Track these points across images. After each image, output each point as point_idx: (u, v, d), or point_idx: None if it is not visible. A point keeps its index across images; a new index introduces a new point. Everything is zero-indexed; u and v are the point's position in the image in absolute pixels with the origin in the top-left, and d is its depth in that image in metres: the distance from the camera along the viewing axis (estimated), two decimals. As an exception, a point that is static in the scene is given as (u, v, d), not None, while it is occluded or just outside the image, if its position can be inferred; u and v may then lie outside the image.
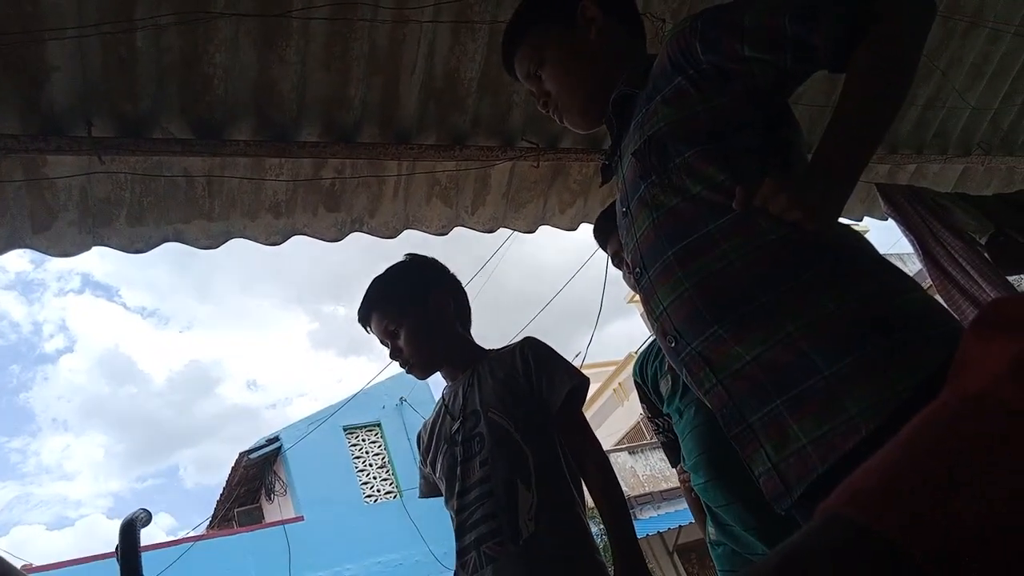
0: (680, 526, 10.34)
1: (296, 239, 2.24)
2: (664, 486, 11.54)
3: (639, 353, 2.21)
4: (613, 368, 17.88)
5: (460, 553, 1.41)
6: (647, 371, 2.05)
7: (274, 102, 1.96)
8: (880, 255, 0.99)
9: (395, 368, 1.62)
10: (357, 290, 1.64)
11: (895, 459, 0.28)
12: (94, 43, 1.69)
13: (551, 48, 1.23)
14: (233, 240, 2.13)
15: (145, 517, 1.31)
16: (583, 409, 1.55)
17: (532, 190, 2.52)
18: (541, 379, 1.48)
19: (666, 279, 1.02)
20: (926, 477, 0.26)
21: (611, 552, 1.39)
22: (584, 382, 1.50)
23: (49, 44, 1.64)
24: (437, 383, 1.70)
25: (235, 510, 12.46)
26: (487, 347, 1.65)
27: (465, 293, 1.72)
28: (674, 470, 2.11)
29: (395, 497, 11.40)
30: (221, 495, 12.42)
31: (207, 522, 12.34)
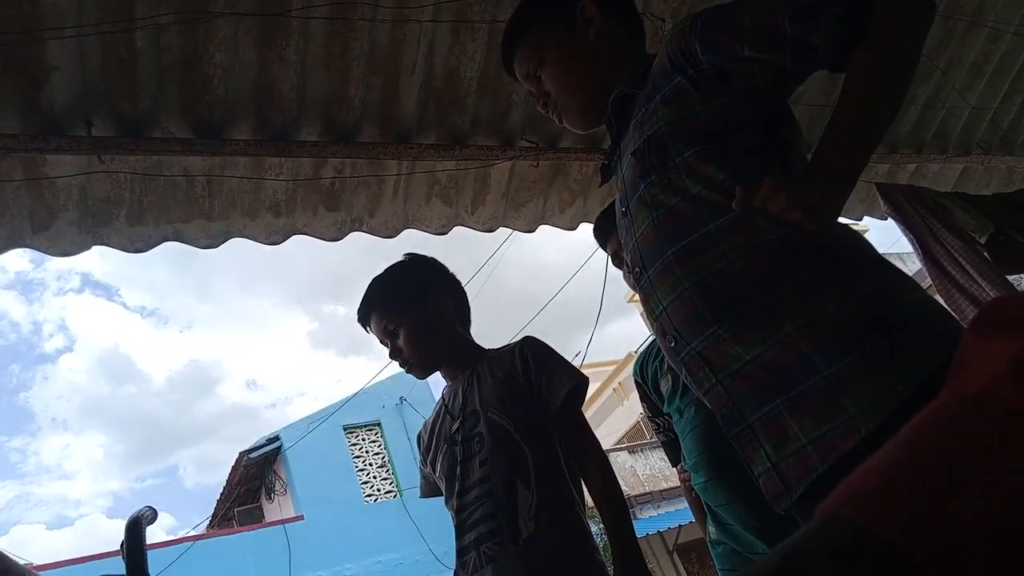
0: (680, 525, 10.34)
1: (296, 238, 2.24)
2: (664, 485, 11.55)
3: (639, 353, 2.21)
4: (613, 368, 17.88)
5: (460, 553, 1.41)
6: (647, 370, 2.05)
7: (274, 102, 1.96)
8: (879, 255, 0.99)
9: (395, 368, 1.62)
10: (357, 290, 1.64)
11: (894, 459, 0.28)
12: (94, 43, 1.69)
13: (550, 48, 1.23)
14: (233, 239, 2.13)
15: (151, 515, 1.31)
16: (583, 409, 1.55)
17: (532, 189, 2.52)
18: (540, 379, 1.48)
19: (666, 279, 1.02)
20: (926, 477, 0.26)
21: (610, 552, 1.39)
22: (583, 381, 1.50)
23: (49, 44, 1.64)
24: (437, 383, 1.70)
25: (235, 509, 12.47)
26: (487, 347, 1.65)
27: (464, 293, 1.72)
28: (674, 469, 2.11)
29: (395, 496, 11.40)
30: (221, 494, 12.42)
31: (207, 521, 12.34)
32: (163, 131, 1.87)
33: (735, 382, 0.95)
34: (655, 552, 11.40)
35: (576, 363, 1.74)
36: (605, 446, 1.73)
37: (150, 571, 1.22)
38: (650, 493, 11.57)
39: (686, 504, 2.17)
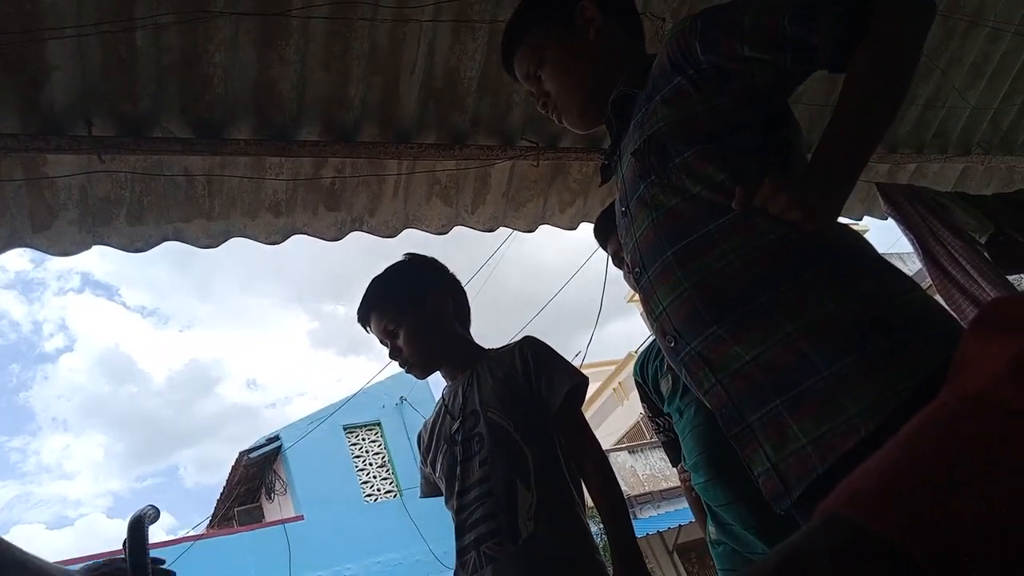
0: (680, 525, 10.34)
1: (296, 238, 2.24)
2: (664, 485, 11.55)
3: (640, 353, 2.21)
4: (613, 368, 17.88)
5: (460, 553, 1.41)
6: (648, 370, 2.05)
7: (274, 101, 1.96)
8: (879, 255, 0.99)
9: (395, 367, 1.62)
10: (357, 289, 1.64)
11: (894, 459, 0.28)
12: (94, 42, 1.69)
13: (550, 48, 1.23)
14: (233, 239, 2.13)
15: (153, 514, 1.31)
16: (583, 409, 1.55)
17: (532, 189, 2.52)
18: (540, 379, 1.48)
19: (665, 279, 1.02)
20: (926, 477, 0.26)
21: (610, 552, 1.39)
22: (583, 381, 1.50)
23: (49, 44, 1.64)
24: (437, 382, 1.70)
25: (235, 509, 12.47)
26: (487, 347, 1.65)
27: (464, 293, 1.72)
28: (674, 469, 2.11)
29: (395, 496, 11.40)
30: (221, 494, 12.42)
31: (207, 521, 12.34)
32: (163, 131, 1.87)
33: (735, 382, 0.95)
34: (655, 552, 11.41)
35: (576, 363, 1.74)
36: (605, 446, 1.73)
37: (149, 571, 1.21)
38: (650, 493, 11.57)
39: (686, 504, 2.17)
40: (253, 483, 12.48)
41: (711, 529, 1.89)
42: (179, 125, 1.89)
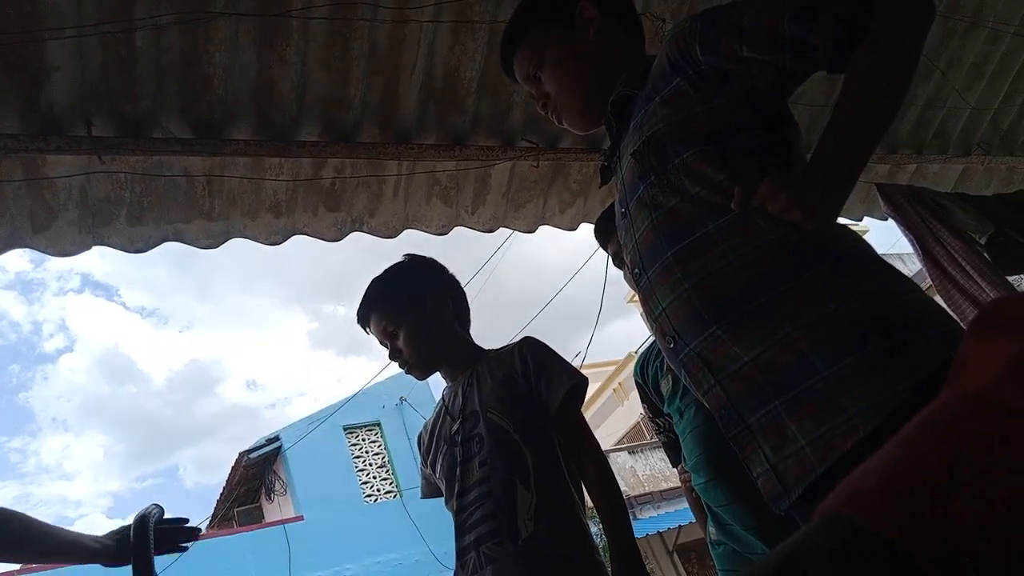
0: (680, 526, 10.34)
1: (296, 239, 2.24)
2: (664, 486, 11.55)
3: (640, 353, 2.21)
4: (613, 368, 17.88)
5: (460, 553, 1.41)
6: (648, 371, 2.05)
7: (274, 102, 1.96)
8: (878, 255, 0.99)
9: (395, 368, 1.62)
10: (357, 290, 1.64)
11: (894, 459, 0.28)
12: (94, 43, 1.69)
13: (550, 48, 1.23)
14: (233, 240, 2.13)
15: (158, 513, 1.31)
16: (583, 409, 1.55)
17: (532, 190, 2.52)
18: (540, 380, 1.48)
19: (665, 280, 1.02)
20: (926, 477, 0.26)
21: (609, 552, 1.39)
22: (583, 382, 1.49)
23: (49, 44, 1.64)
24: (437, 383, 1.70)
25: (235, 510, 12.46)
26: (487, 347, 1.65)
27: (464, 293, 1.72)
28: (674, 470, 2.11)
29: (395, 497, 11.40)
30: (221, 495, 12.42)
31: (207, 521, 12.33)
32: (163, 131, 1.87)
33: (734, 383, 0.95)
34: (655, 552, 11.40)
35: (576, 363, 1.74)
36: (605, 446, 1.73)
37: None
38: (650, 493, 11.57)
39: (686, 504, 2.18)
40: (253, 483, 12.48)
41: (711, 529, 1.89)
42: (179, 125, 1.89)
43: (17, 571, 9.03)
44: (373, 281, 1.63)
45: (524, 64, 1.27)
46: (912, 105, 2.92)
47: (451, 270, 1.70)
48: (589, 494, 1.45)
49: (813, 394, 0.87)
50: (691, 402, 1.85)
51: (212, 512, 12.56)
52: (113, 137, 1.81)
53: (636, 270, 1.09)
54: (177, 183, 1.99)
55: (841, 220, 0.99)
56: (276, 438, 11.56)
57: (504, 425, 1.44)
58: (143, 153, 1.85)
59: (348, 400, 11.37)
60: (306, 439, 10.93)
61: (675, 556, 11.62)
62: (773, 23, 0.96)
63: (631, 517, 1.46)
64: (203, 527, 11.05)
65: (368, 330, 1.62)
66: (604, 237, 1.98)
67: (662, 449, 2.16)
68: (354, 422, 11.89)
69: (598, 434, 1.58)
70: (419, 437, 1.67)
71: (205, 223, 2.08)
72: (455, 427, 1.51)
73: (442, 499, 1.56)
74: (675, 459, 2.04)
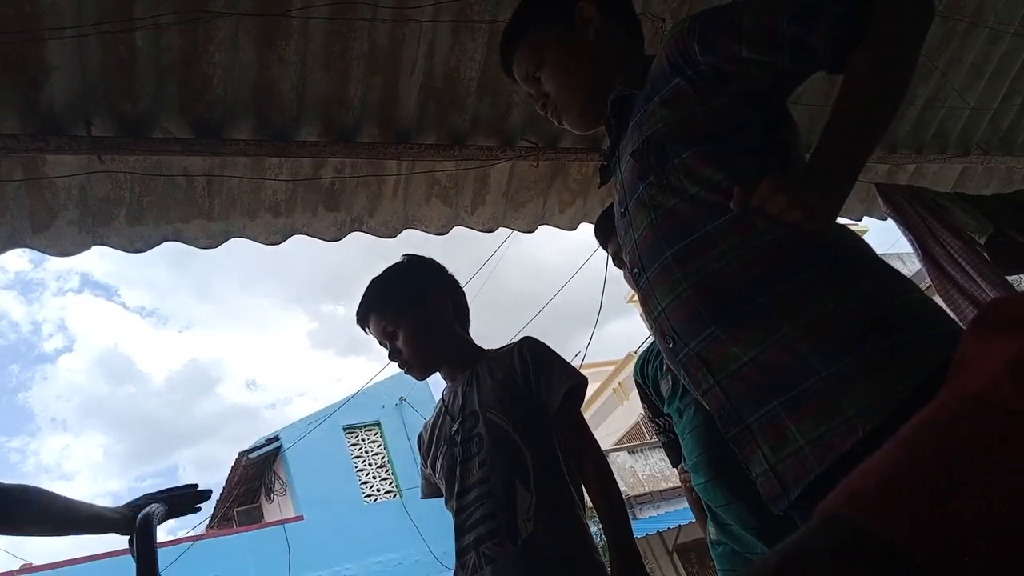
0: (680, 526, 10.34)
1: (296, 238, 2.24)
2: (664, 486, 11.55)
3: (640, 353, 2.21)
4: (613, 368, 17.88)
5: (459, 553, 1.41)
6: (648, 371, 2.05)
7: (274, 102, 1.96)
8: (877, 255, 0.98)
9: (395, 368, 1.62)
10: (356, 290, 1.64)
11: (894, 459, 0.28)
12: (93, 42, 1.68)
13: (550, 48, 1.23)
14: (233, 239, 2.13)
15: (161, 512, 1.32)
16: (582, 409, 1.55)
17: (532, 190, 2.52)
18: (539, 380, 1.48)
19: (664, 280, 1.02)
20: (925, 477, 0.26)
21: (608, 552, 1.39)
22: (582, 382, 1.49)
23: (48, 44, 1.64)
24: (437, 383, 1.70)
25: (235, 510, 12.46)
26: (486, 347, 1.65)
27: (463, 293, 1.72)
28: (674, 470, 2.12)
29: (395, 497, 11.40)
30: (221, 495, 12.41)
31: (207, 521, 12.33)
32: (163, 131, 1.87)
33: (733, 383, 0.95)
34: (655, 552, 11.40)
35: (576, 363, 1.74)
36: (605, 446, 1.73)
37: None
38: (650, 493, 11.57)
39: (686, 504, 2.18)
40: (253, 483, 12.47)
41: (711, 529, 1.89)
42: (179, 125, 1.89)
43: (17, 571, 9.03)
44: (372, 281, 1.63)
45: (524, 64, 1.27)
46: (912, 105, 2.92)
47: (451, 270, 1.70)
48: (589, 494, 1.45)
49: (812, 394, 0.87)
50: (691, 402, 1.85)
51: (212, 512, 12.56)
52: (113, 137, 1.81)
53: (635, 270, 1.09)
54: (177, 183, 1.99)
55: (840, 220, 0.99)
56: (276, 438, 11.56)
57: (504, 425, 1.44)
58: (143, 153, 1.85)
59: (348, 400, 11.38)
60: (306, 439, 10.93)
61: (675, 556, 11.63)
62: (772, 23, 0.96)
63: (631, 517, 1.46)
64: (203, 527, 11.07)
65: (368, 330, 1.62)
66: (604, 237, 1.98)
67: (662, 449, 2.16)
68: (354, 422, 11.89)
69: (598, 434, 1.58)
70: (419, 437, 1.67)
71: (205, 223, 2.08)
72: (455, 427, 1.51)
73: (442, 499, 1.56)
74: (675, 459, 2.04)
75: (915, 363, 0.84)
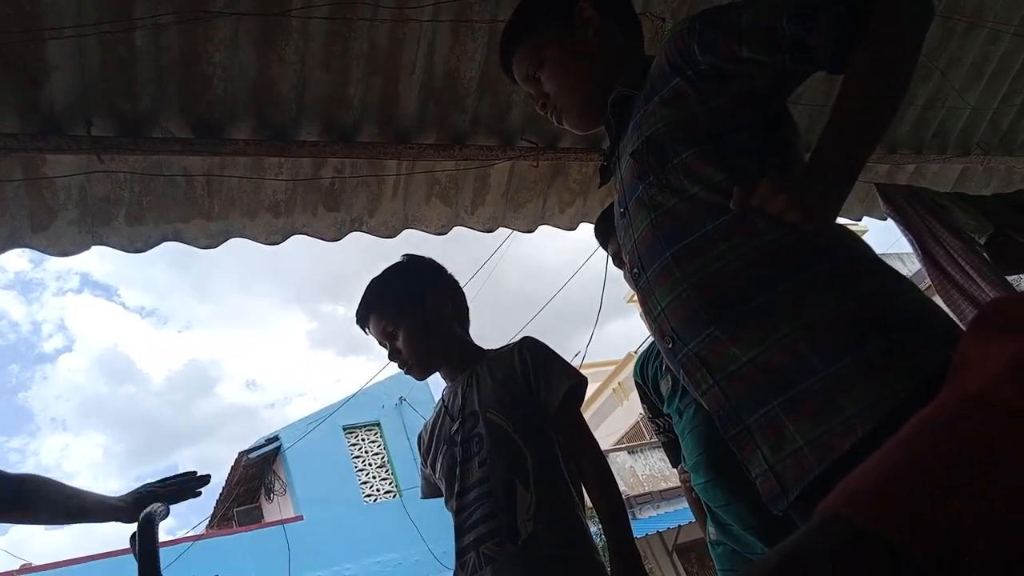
0: (679, 526, 10.34)
1: (295, 238, 2.24)
2: (664, 486, 11.55)
3: (640, 353, 2.21)
4: (613, 368, 17.88)
5: (459, 553, 1.41)
6: (647, 371, 2.05)
7: (273, 101, 1.96)
8: (876, 256, 0.98)
9: (394, 368, 1.62)
10: (356, 290, 1.64)
11: (894, 459, 0.28)
12: (93, 42, 1.68)
13: (550, 48, 1.23)
14: (232, 239, 2.13)
15: (163, 511, 1.32)
16: (582, 409, 1.54)
17: (531, 190, 2.52)
18: (539, 380, 1.48)
19: (664, 280, 1.02)
20: (925, 477, 0.26)
21: (608, 552, 1.39)
22: (582, 382, 1.49)
23: (48, 43, 1.64)
24: (437, 383, 1.70)
25: (234, 510, 12.46)
26: (486, 347, 1.65)
27: (463, 293, 1.72)
28: (674, 470, 2.12)
29: (394, 497, 11.40)
30: (220, 495, 12.41)
31: (206, 521, 12.33)
32: (163, 131, 1.87)
33: (732, 383, 0.95)
34: (654, 552, 11.40)
35: (576, 363, 1.74)
36: (605, 446, 1.73)
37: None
38: (650, 493, 11.57)
39: (686, 504, 2.18)
40: (252, 483, 12.47)
41: (711, 529, 1.89)
42: (178, 125, 1.88)
43: (17, 571, 9.03)
44: (372, 281, 1.63)
45: (523, 64, 1.27)
46: (912, 105, 2.92)
47: (450, 270, 1.70)
48: (588, 494, 1.45)
49: (811, 394, 0.87)
50: (691, 402, 1.85)
51: (211, 512, 12.56)
52: (112, 137, 1.81)
53: (635, 270, 1.09)
54: (176, 183, 1.99)
55: (840, 220, 0.99)
56: (275, 438, 11.56)
57: (504, 425, 1.44)
58: (142, 153, 1.85)
59: (347, 400, 11.38)
60: (305, 439, 10.93)
61: (675, 556, 11.63)
62: (772, 23, 0.96)
63: (631, 517, 1.46)
64: (203, 527, 11.07)
65: (367, 330, 1.62)
66: (604, 237, 1.97)
67: (662, 449, 2.16)
68: (353, 422, 11.89)
69: (598, 434, 1.58)
70: (419, 437, 1.67)
71: (204, 223, 2.08)
72: (455, 427, 1.51)
73: (442, 499, 1.56)
74: (675, 459, 2.04)
75: (914, 363, 0.84)
